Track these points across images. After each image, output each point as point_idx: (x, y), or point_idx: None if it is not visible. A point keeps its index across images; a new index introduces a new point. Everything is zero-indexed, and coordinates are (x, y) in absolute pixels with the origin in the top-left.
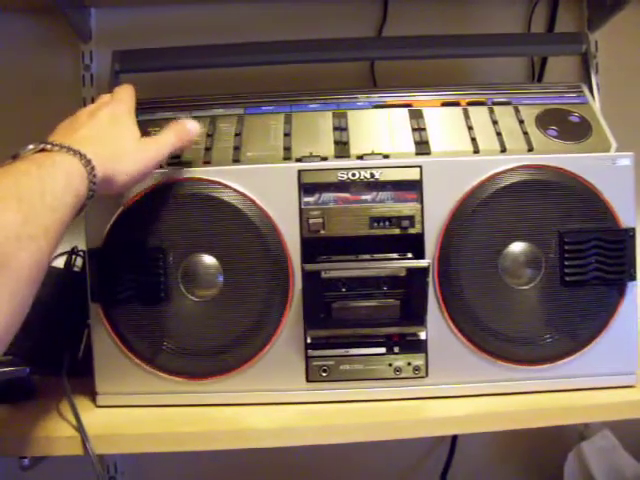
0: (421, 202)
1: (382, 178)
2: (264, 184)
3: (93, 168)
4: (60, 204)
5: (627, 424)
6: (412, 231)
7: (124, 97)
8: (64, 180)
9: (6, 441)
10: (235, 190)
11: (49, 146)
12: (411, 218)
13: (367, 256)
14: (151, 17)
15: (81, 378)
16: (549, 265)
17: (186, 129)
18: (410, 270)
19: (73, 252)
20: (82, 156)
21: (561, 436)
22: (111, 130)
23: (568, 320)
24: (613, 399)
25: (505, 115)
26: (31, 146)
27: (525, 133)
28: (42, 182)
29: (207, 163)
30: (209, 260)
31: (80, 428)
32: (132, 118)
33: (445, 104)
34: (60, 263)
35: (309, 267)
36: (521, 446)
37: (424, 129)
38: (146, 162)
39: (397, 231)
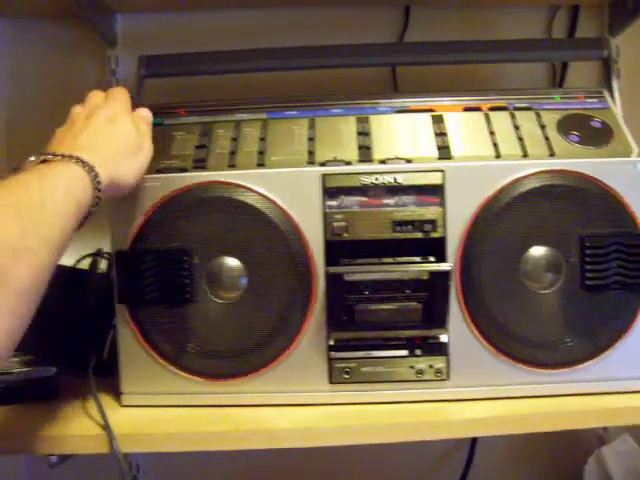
0: (443, 206)
1: (405, 182)
2: (288, 188)
3: (97, 175)
4: (61, 214)
5: None
6: (434, 235)
7: (119, 96)
8: (65, 189)
9: (35, 439)
10: (259, 194)
11: (50, 156)
12: (433, 222)
13: (390, 259)
14: (176, 22)
15: (106, 378)
16: (570, 269)
17: (149, 117)
18: (432, 273)
19: (98, 254)
20: (84, 163)
21: (581, 440)
22: (110, 132)
23: (588, 324)
24: (633, 403)
25: (526, 120)
26: (32, 157)
27: (546, 138)
28: (42, 193)
29: (232, 167)
30: (233, 263)
31: (106, 427)
32: (129, 117)
33: (467, 109)
34: (85, 265)
35: (332, 270)
36: (540, 450)
37: (446, 134)
38: (146, 160)
39: (419, 235)
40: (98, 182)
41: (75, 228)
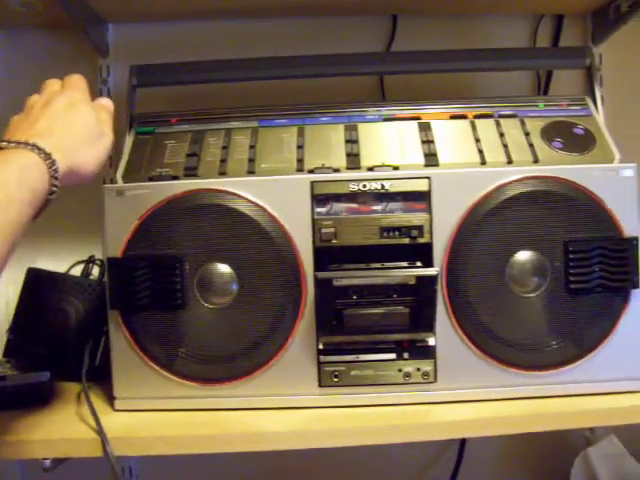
0: (430, 212)
1: (392, 189)
2: (278, 195)
3: (54, 162)
4: (13, 202)
5: (633, 429)
6: (421, 240)
7: (77, 84)
8: (18, 177)
9: (29, 443)
10: (249, 201)
11: (4, 143)
12: (420, 228)
13: (377, 265)
14: (168, 32)
15: (98, 383)
16: (555, 273)
17: (110, 106)
18: (419, 278)
19: (90, 261)
20: (40, 150)
21: (567, 441)
22: (69, 119)
23: (573, 327)
24: (619, 404)
25: (511, 127)
26: None
27: (531, 145)
28: None
29: (223, 174)
30: (224, 269)
31: (100, 431)
32: (88, 104)
33: (453, 117)
34: (78, 271)
35: (321, 275)
36: (528, 451)
37: (432, 141)
38: (107, 148)
39: (406, 240)
40: (55, 170)
41: (31, 216)
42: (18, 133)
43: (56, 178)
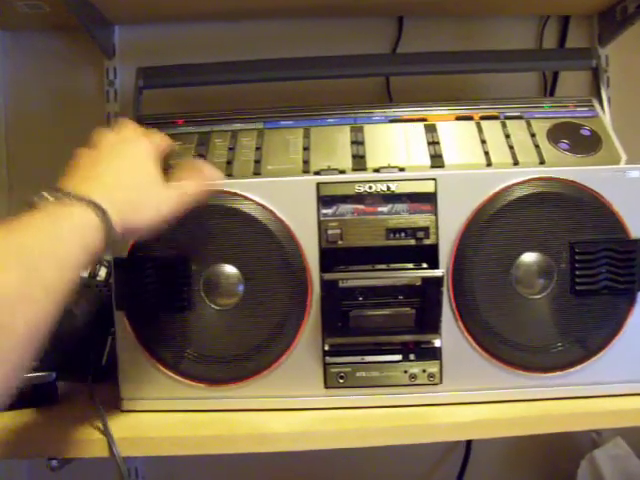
0: (436, 214)
1: (398, 190)
2: (284, 196)
3: (110, 221)
4: (71, 263)
5: (639, 431)
6: (427, 242)
7: (151, 137)
8: (79, 239)
9: (36, 443)
10: (256, 202)
11: (66, 198)
12: (426, 229)
13: (383, 266)
14: (173, 34)
15: (105, 384)
16: (561, 275)
17: (206, 176)
18: (425, 280)
19: (97, 261)
20: (99, 208)
21: (574, 444)
22: (132, 176)
23: (579, 329)
24: (625, 406)
25: (517, 129)
26: (47, 195)
27: (537, 146)
28: (52, 240)
29: (229, 176)
30: (230, 270)
31: (106, 431)
32: (155, 161)
33: (459, 118)
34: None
35: (327, 276)
36: (534, 453)
37: (438, 143)
38: (166, 212)
39: (412, 242)
40: (110, 227)
41: (84, 271)
42: (80, 181)
43: (110, 235)
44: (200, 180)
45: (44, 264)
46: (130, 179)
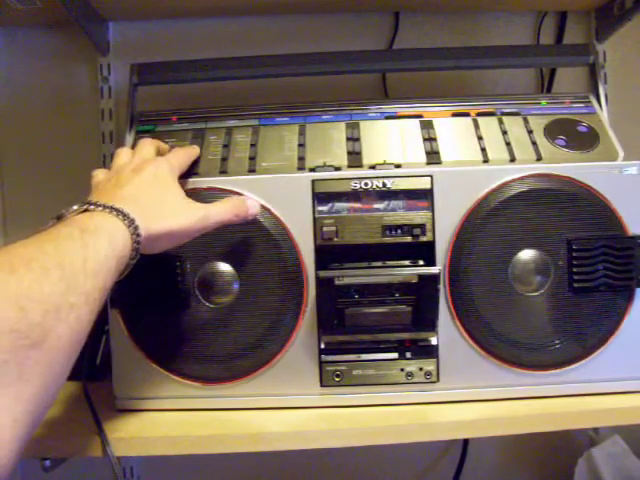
0: (432, 211)
1: (394, 187)
2: (279, 193)
3: (137, 228)
4: (103, 269)
5: (637, 429)
6: (423, 239)
7: (173, 157)
8: (108, 245)
9: (29, 443)
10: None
11: (92, 207)
12: (422, 226)
13: (379, 263)
14: (168, 30)
15: (99, 383)
16: (558, 272)
17: (245, 205)
18: (421, 277)
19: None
20: (125, 216)
21: (571, 441)
22: (155, 190)
23: (577, 326)
24: (623, 404)
25: (514, 125)
26: (75, 207)
27: (534, 143)
28: (85, 248)
29: (223, 173)
30: (225, 268)
31: (100, 431)
32: (175, 180)
33: (455, 115)
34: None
35: (323, 274)
36: (532, 451)
37: (435, 139)
38: (190, 223)
39: (409, 239)
40: (137, 235)
41: (115, 281)
42: (105, 194)
43: (138, 243)
44: (236, 206)
45: (81, 272)
46: (151, 191)
